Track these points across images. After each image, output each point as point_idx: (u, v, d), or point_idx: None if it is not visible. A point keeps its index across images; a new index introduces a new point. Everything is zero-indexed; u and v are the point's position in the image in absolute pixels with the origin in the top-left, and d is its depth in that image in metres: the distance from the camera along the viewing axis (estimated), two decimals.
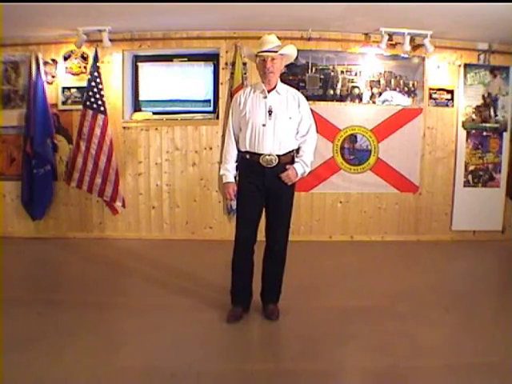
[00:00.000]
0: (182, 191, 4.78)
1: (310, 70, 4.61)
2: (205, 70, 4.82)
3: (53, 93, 4.63)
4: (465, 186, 4.84)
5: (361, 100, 4.70)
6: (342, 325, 2.79)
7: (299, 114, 2.72)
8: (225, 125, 4.12)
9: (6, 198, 4.78)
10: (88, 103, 4.40)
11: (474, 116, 4.78)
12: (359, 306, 3.09)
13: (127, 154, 4.73)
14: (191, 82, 4.85)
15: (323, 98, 4.66)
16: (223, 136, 4.27)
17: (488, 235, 4.87)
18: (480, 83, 4.74)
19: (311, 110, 2.82)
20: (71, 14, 3.80)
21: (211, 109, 4.83)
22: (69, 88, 4.64)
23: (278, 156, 2.65)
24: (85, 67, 4.59)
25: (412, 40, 4.43)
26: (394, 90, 4.70)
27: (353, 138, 4.73)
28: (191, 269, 3.80)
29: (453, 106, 4.76)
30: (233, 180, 2.79)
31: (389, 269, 3.96)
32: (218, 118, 4.68)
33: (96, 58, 4.40)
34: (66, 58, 4.61)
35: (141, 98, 4.89)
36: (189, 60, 4.80)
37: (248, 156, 2.69)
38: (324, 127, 4.48)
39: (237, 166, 2.81)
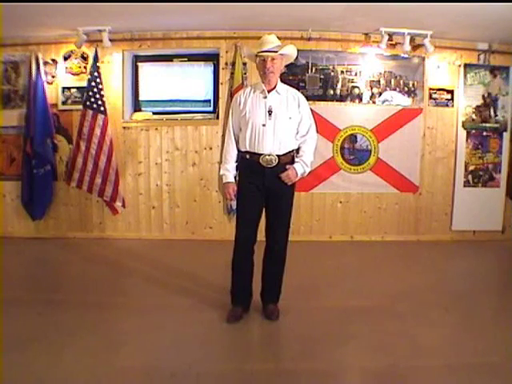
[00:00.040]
0: (181, 191, 4.78)
1: (310, 70, 4.61)
2: (205, 70, 4.82)
3: (53, 93, 4.63)
4: (465, 186, 4.84)
5: (361, 100, 4.70)
6: (342, 325, 2.79)
7: (299, 114, 2.72)
8: (225, 125, 4.12)
9: (6, 198, 4.78)
10: (88, 103, 4.40)
11: (473, 116, 4.78)
12: (359, 306, 3.09)
13: (127, 154, 4.73)
14: (191, 81, 4.85)
15: (323, 98, 4.66)
16: (223, 136, 4.27)
17: (488, 235, 4.87)
18: (480, 83, 4.74)
19: (311, 110, 2.82)
20: (71, 13, 3.80)
21: (211, 109, 4.83)
22: (69, 88, 4.65)
23: (278, 156, 2.65)
24: (85, 67, 4.59)
25: (412, 40, 4.43)
26: (394, 90, 4.70)
27: (353, 138, 4.73)
28: (191, 269, 3.80)
29: (453, 105, 4.76)
30: (233, 180, 2.79)
31: (389, 269, 3.96)
32: (218, 118, 4.68)
33: (96, 58, 4.40)
34: (65, 58, 4.61)
35: (141, 98, 4.89)
36: (189, 60, 4.80)
37: (248, 156, 2.69)
38: (324, 127, 4.48)
39: (237, 166, 2.81)
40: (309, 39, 4.51)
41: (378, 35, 4.40)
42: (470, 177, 4.84)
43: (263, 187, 2.69)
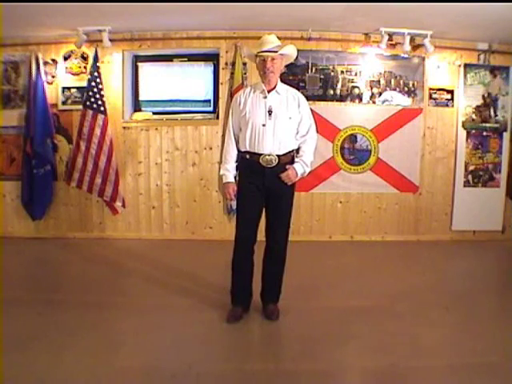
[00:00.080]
0: (182, 191, 4.78)
1: (310, 70, 4.61)
2: (205, 70, 4.82)
3: (53, 93, 4.63)
4: (465, 186, 4.84)
5: (361, 100, 4.70)
6: (342, 325, 2.79)
7: (299, 114, 2.72)
8: (225, 125, 4.12)
9: (6, 198, 4.78)
10: (88, 103, 4.40)
11: (473, 116, 4.78)
12: (359, 306, 3.09)
13: (127, 154, 4.73)
14: (191, 82, 4.85)
15: (323, 98, 4.66)
16: (223, 136, 4.27)
17: (488, 235, 4.87)
18: (480, 83, 4.74)
19: (311, 110, 2.82)
20: (71, 14, 3.80)
21: (211, 109, 4.83)
22: (69, 88, 4.65)
23: (278, 156, 2.65)
24: (85, 67, 4.59)
25: (412, 40, 4.43)
26: (394, 90, 4.70)
27: (353, 138, 4.73)
28: (191, 269, 3.80)
29: (453, 106, 4.76)
30: (233, 180, 2.79)
31: (389, 269, 3.95)
32: (218, 118, 4.68)
33: (96, 58, 4.40)
34: (66, 58, 4.61)
35: (141, 98, 4.89)
36: (189, 60, 4.80)
37: (248, 156, 2.69)
38: (324, 127, 4.48)
39: (237, 166, 2.81)
40: (309, 39, 4.51)
41: (378, 35, 4.40)
42: (469, 177, 4.84)
43: (263, 187, 2.69)
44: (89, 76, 4.42)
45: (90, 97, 4.39)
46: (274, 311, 2.84)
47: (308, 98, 2.93)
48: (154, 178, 4.76)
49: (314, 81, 4.64)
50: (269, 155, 2.64)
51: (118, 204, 4.61)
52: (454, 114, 4.78)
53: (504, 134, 4.82)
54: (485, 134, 4.81)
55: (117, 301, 3.15)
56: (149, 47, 4.64)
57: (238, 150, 2.78)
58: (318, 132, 2.85)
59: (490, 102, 4.77)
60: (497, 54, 4.68)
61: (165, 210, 4.80)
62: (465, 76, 4.72)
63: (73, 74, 4.64)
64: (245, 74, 4.50)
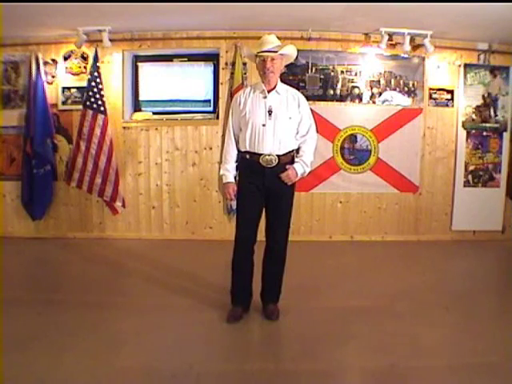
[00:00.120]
0: (182, 191, 4.78)
1: (310, 70, 4.61)
2: (205, 70, 4.82)
3: (53, 93, 4.63)
4: (465, 186, 4.84)
5: (361, 100, 4.70)
6: (342, 325, 2.79)
7: (299, 114, 2.72)
8: (225, 125, 4.12)
9: (6, 198, 4.78)
10: (88, 103, 4.40)
11: (473, 116, 4.78)
12: (359, 306, 3.09)
13: (127, 154, 4.73)
14: (191, 81, 4.85)
15: (323, 98, 4.66)
16: (223, 136, 4.27)
17: (488, 235, 4.87)
18: (480, 83, 4.74)
19: (311, 110, 2.82)
20: (71, 13, 3.80)
21: (211, 109, 4.83)
22: (69, 88, 4.65)
23: (278, 156, 2.65)
24: (85, 67, 4.59)
25: (412, 40, 4.43)
26: (394, 90, 4.70)
27: (353, 138, 4.73)
28: (191, 269, 3.80)
29: (453, 106, 4.76)
30: (233, 180, 2.79)
31: (389, 269, 3.95)
32: (217, 118, 4.68)
33: (96, 58, 4.40)
34: (66, 58, 4.61)
35: (141, 98, 4.89)
36: (189, 60, 4.80)
37: (248, 156, 2.69)
38: (324, 127, 4.48)
39: (237, 166, 2.81)
40: (309, 39, 4.51)
41: (378, 35, 4.40)
42: (469, 177, 4.84)
43: (263, 187, 2.69)
44: (89, 76, 4.42)
45: (90, 97, 4.39)
46: (274, 311, 2.84)
47: (308, 98, 2.94)
48: (153, 177, 4.76)
49: (314, 81, 4.64)
50: (269, 155, 2.64)
51: (118, 204, 4.61)
52: (454, 114, 4.78)
53: (504, 133, 4.82)
54: (485, 133, 4.80)
55: (117, 301, 3.15)
56: (149, 47, 4.64)
57: (238, 150, 2.78)
58: (317, 132, 2.85)
59: (490, 102, 4.77)
60: (497, 53, 4.68)
61: (165, 210, 4.80)
62: (465, 76, 4.72)
63: (73, 74, 4.64)
64: (245, 74, 4.50)
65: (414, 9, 3.61)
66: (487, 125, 4.79)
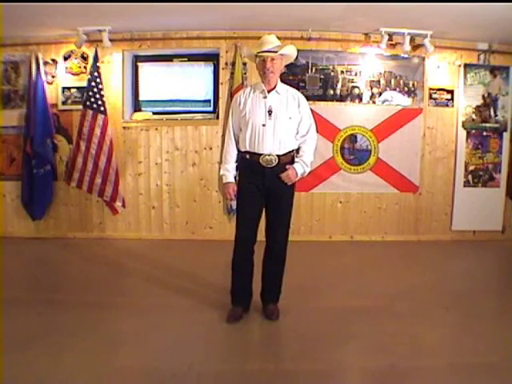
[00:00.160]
0: (182, 191, 4.78)
1: (310, 70, 4.61)
2: (205, 70, 4.82)
3: (53, 93, 4.63)
4: (465, 186, 4.84)
5: (361, 100, 4.70)
6: (342, 325, 2.79)
7: (299, 114, 2.72)
8: (225, 125, 4.12)
9: (6, 198, 4.78)
10: (88, 103, 4.40)
11: (473, 116, 4.78)
12: (359, 305, 3.09)
13: (127, 154, 4.73)
14: (191, 82, 4.85)
15: (323, 98, 4.66)
16: (223, 136, 4.27)
17: (488, 235, 4.87)
18: (480, 83, 4.74)
19: (311, 110, 2.82)
20: (71, 13, 3.80)
21: (211, 109, 4.83)
22: (69, 88, 4.65)
23: (278, 156, 2.65)
24: (85, 67, 4.59)
25: (412, 40, 4.43)
26: (394, 90, 4.70)
27: (353, 138, 4.73)
28: (191, 269, 3.80)
29: (453, 106, 4.76)
30: (233, 180, 2.79)
31: (389, 269, 3.95)
32: (217, 118, 4.68)
33: (96, 58, 4.40)
34: (66, 58, 4.61)
35: (141, 98, 4.89)
36: (189, 60, 4.80)
37: (248, 156, 2.69)
38: (324, 127, 4.48)
39: (237, 166, 2.81)
40: (309, 39, 4.51)
41: (378, 35, 4.40)
42: (469, 177, 4.84)
43: (263, 187, 2.69)
44: (89, 76, 4.42)
45: (90, 97, 4.39)
46: (274, 311, 2.84)
47: (308, 98, 2.93)
48: (154, 177, 4.76)
49: (314, 81, 4.64)
50: (269, 155, 2.64)
51: (118, 204, 4.61)
52: (454, 114, 4.78)
53: (504, 133, 4.82)
54: (485, 133, 4.81)
55: (117, 301, 3.15)
56: (149, 47, 4.64)
57: (238, 150, 2.78)
58: (317, 132, 2.85)
59: (490, 102, 4.77)
60: (497, 53, 4.68)
61: (165, 210, 4.80)
62: (465, 76, 4.72)
63: (73, 74, 4.64)
64: (245, 74, 4.50)
65: (413, 9, 3.61)
66: (487, 125, 4.79)
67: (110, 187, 4.51)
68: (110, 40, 4.30)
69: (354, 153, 4.74)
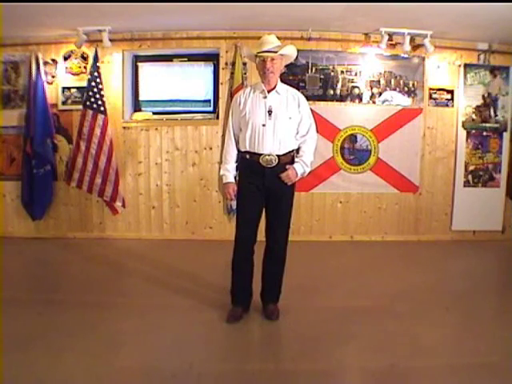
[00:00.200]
0: (181, 191, 4.78)
1: (310, 70, 4.61)
2: (205, 70, 4.82)
3: (53, 93, 4.63)
4: (465, 186, 4.84)
5: (361, 100, 4.70)
6: (342, 325, 2.79)
7: (299, 114, 2.72)
8: (225, 125, 4.12)
9: (6, 197, 4.78)
10: (88, 103, 4.40)
11: (473, 116, 4.78)
12: (359, 305, 3.09)
13: (127, 154, 4.73)
14: (191, 82, 4.85)
15: (323, 98, 4.66)
16: (223, 136, 4.27)
17: (488, 235, 4.87)
18: (480, 83, 4.74)
19: (311, 110, 2.82)
20: (71, 13, 3.80)
21: (211, 109, 4.83)
22: (69, 88, 4.65)
23: (278, 156, 2.65)
24: (85, 67, 4.59)
25: (412, 40, 4.43)
26: (394, 90, 4.70)
27: (353, 138, 4.73)
28: (191, 269, 3.80)
29: (453, 106, 4.76)
30: (233, 180, 2.79)
31: (389, 269, 3.95)
32: (218, 118, 4.68)
33: (96, 58, 4.40)
34: (66, 58, 4.61)
35: (141, 98, 4.89)
36: (189, 60, 4.80)
37: (248, 156, 2.69)
38: (324, 127, 4.48)
39: (237, 166, 2.81)
40: (309, 39, 4.51)
41: (378, 35, 4.40)
42: (470, 177, 4.84)
43: (263, 187, 2.69)
44: (89, 76, 4.42)
45: (90, 97, 4.39)
46: (274, 311, 2.84)
47: (308, 98, 2.93)
48: (153, 177, 4.76)
49: (314, 81, 4.64)
50: (269, 155, 2.64)
51: (118, 204, 4.61)
52: (454, 114, 4.78)
53: (504, 133, 4.82)
54: (485, 133, 4.80)
55: (117, 301, 3.15)
56: (149, 47, 4.64)
57: (238, 150, 2.78)
58: (317, 132, 2.85)
59: (490, 102, 4.77)
60: (497, 53, 4.68)
61: (165, 210, 4.80)
62: (465, 76, 4.72)
63: (73, 74, 4.64)
64: (245, 74, 4.50)
65: (413, 9, 3.61)
66: (487, 125, 4.79)
67: (109, 187, 4.51)
68: (110, 40, 4.30)
69: (354, 153, 4.74)
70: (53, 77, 4.63)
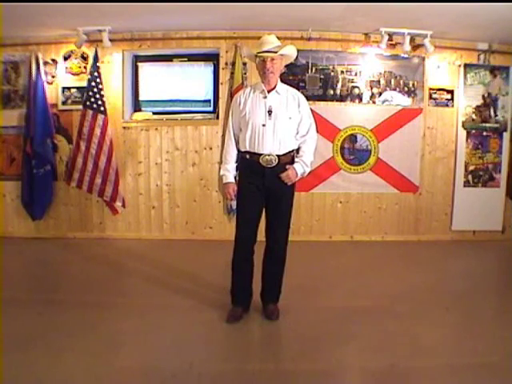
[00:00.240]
0: (181, 191, 4.78)
1: (310, 70, 4.61)
2: (205, 70, 4.82)
3: (53, 93, 4.63)
4: (465, 186, 4.84)
5: (361, 100, 4.70)
6: (342, 325, 2.79)
7: (299, 114, 2.72)
8: (225, 125, 4.12)
9: (6, 197, 4.78)
10: (88, 103, 4.40)
11: (473, 116, 4.78)
12: (359, 305, 3.09)
13: (127, 154, 4.73)
14: (191, 82, 4.85)
15: (323, 98, 4.66)
16: (223, 136, 4.27)
17: (488, 235, 4.87)
18: (480, 83, 4.74)
19: (311, 110, 2.82)
20: (71, 13, 3.80)
21: (211, 109, 4.83)
22: (69, 88, 4.65)
23: (278, 156, 2.65)
24: (85, 67, 4.59)
25: (412, 40, 4.43)
26: (394, 90, 4.70)
27: (353, 138, 4.73)
28: (191, 269, 3.80)
29: (453, 106, 4.76)
30: (233, 180, 2.79)
31: (389, 269, 3.95)
32: (217, 118, 4.68)
33: (96, 58, 4.40)
34: (66, 58, 4.61)
35: (141, 98, 4.89)
36: (189, 60, 4.80)
37: (248, 156, 2.69)
38: (324, 127, 4.48)
39: (237, 167, 2.81)
40: (309, 39, 4.51)
41: (378, 35, 4.40)
42: (470, 177, 4.84)
43: (263, 187, 2.69)
44: (89, 76, 4.42)
45: (90, 97, 4.39)
46: (274, 311, 2.84)
47: (308, 98, 2.93)
48: (153, 177, 4.76)
49: (314, 81, 4.64)
50: (269, 155, 2.64)
51: (118, 204, 4.61)
52: (454, 114, 4.78)
53: (504, 133, 4.82)
54: (485, 134, 4.80)
55: (117, 301, 3.15)
56: (149, 47, 4.64)
57: (238, 150, 2.78)
58: (317, 132, 2.85)
59: (490, 102, 4.77)
60: (497, 53, 4.68)
61: (165, 210, 4.80)
62: (465, 76, 4.72)
63: (73, 74, 4.64)
64: (245, 74, 4.50)
65: (413, 9, 3.61)
66: (487, 125, 4.79)
67: (109, 187, 4.51)
68: (110, 40, 4.30)
69: (354, 153, 4.74)
70: (53, 77, 4.64)
